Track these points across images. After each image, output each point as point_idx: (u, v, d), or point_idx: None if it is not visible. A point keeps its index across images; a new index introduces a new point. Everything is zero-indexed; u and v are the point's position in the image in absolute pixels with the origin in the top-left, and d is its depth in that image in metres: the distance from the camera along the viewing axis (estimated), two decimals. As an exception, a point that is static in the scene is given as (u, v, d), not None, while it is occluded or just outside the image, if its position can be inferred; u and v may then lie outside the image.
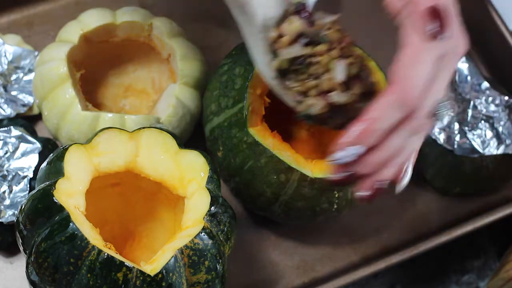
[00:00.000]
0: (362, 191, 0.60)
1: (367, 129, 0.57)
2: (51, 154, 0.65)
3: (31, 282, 0.60)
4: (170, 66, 0.83)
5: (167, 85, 0.82)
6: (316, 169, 0.70)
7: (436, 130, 0.83)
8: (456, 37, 0.59)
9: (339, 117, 0.61)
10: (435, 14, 0.57)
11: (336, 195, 0.72)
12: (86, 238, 0.58)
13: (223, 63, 0.77)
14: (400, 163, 0.60)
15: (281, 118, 0.83)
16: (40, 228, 0.60)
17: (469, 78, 0.85)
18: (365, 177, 0.60)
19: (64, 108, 0.76)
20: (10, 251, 0.78)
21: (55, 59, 0.77)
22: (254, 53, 0.64)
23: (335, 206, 0.73)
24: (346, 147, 0.57)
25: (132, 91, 0.86)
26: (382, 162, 0.59)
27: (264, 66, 0.63)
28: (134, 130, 0.67)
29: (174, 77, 0.82)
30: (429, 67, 0.57)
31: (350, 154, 0.57)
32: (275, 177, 0.70)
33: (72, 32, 0.79)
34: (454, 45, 0.59)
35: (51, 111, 0.77)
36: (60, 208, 0.59)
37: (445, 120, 0.83)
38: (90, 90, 0.84)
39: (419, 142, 0.62)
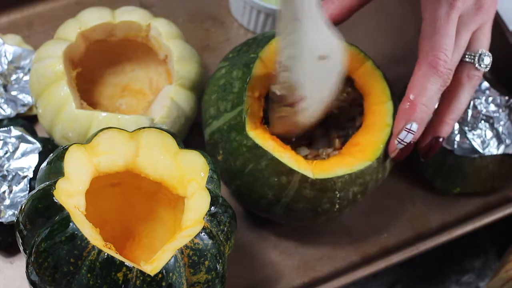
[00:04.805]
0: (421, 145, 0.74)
1: (413, 106, 0.69)
2: (51, 154, 0.65)
3: (31, 282, 0.60)
4: (167, 67, 0.83)
5: (164, 86, 0.82)
6: (316, 170, 0.70)
7: (436, 130, 0.83)
8: None
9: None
10: None
11: (338, 195, 0.72)
12: (86, 238, 0.58)
13: (220, 66, 0.77)
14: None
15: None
16: (40, 228, 0.60)
17: (469, 78, 0.85)
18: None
19: (59, 105, 0.76)
20: (10, 251, 0.78)
21: (52, 57, 0.77)
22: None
23: (337, 206, 0.73)
24: (403, 124, 0.69)
25: (129, 91, 0.86)
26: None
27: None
28: (134, 130, 0.67)
29: (171, 78, 0.82)
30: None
31: (409, 132, 0.69)
32: (276, 180, 0.70)
33: (70, 30, 0.79)
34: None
35: (46, 108, 0.77)
36: (60, 208, 0.59)
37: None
38: (87, 89, 0.84)
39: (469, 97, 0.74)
